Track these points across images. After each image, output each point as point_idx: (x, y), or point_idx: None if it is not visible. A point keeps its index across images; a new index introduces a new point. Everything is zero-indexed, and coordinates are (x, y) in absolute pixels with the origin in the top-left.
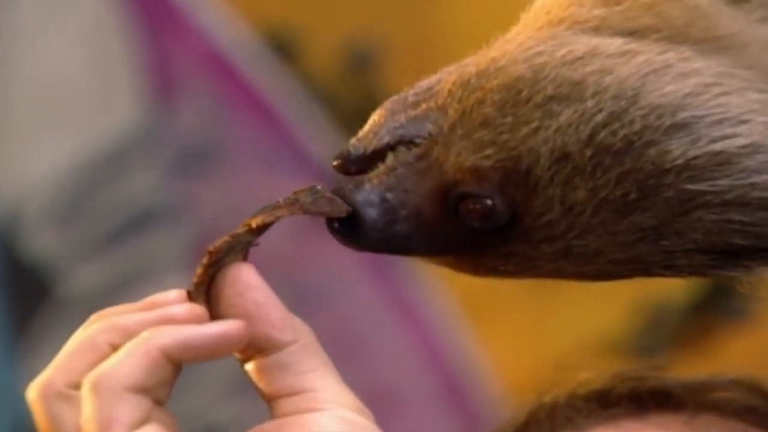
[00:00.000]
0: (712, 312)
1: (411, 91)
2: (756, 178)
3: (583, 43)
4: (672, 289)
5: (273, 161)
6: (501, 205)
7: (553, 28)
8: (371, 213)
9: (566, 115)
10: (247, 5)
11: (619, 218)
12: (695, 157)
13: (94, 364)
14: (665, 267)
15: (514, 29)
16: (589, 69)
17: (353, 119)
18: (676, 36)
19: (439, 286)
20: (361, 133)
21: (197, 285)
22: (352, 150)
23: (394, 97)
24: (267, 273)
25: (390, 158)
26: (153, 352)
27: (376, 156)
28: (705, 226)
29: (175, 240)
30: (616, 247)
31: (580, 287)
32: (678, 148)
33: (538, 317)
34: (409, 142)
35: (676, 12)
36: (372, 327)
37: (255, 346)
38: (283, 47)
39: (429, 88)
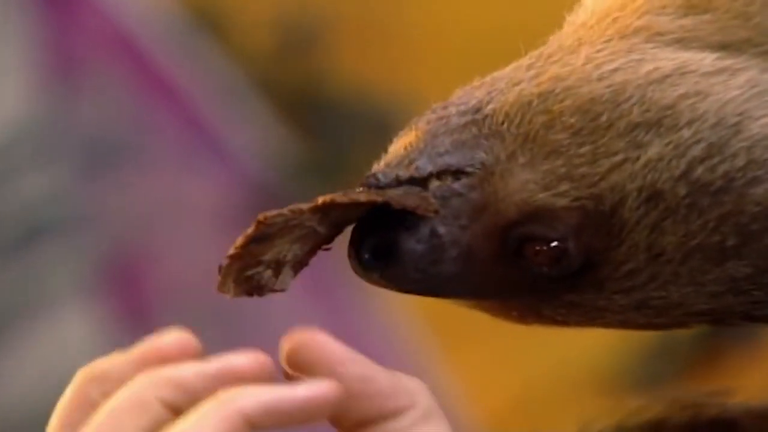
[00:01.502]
0: (724, 334)
1: (453, 108)
2: None
3: (669, 58)
4: None
5: (193, 159)
6: (575, 249)
7: (627, 39)
8: (417, 248)
9: (657, 146)
10: None
11: (711, 267)
12: None
13: (146, 429)
14: (745, 317)
15: (569, 34)
16: (681, 90)
17: (291, 107)
18: None
19: (398, 309)
20: (391, 157)
21: (233, 259)
22: (381, 177)
23: (431, 115)
24: (194, 296)
25: (436, 186)
26: (234, 418)
27: (413, 185)
28: None
29: (77, 257)
30: (700, 298)
31: None
32: None
33: (516, 341)
34: (456, 172)
35: None
36: None
37: (363, 419)
38: (208, 23)
39: (477, 108)
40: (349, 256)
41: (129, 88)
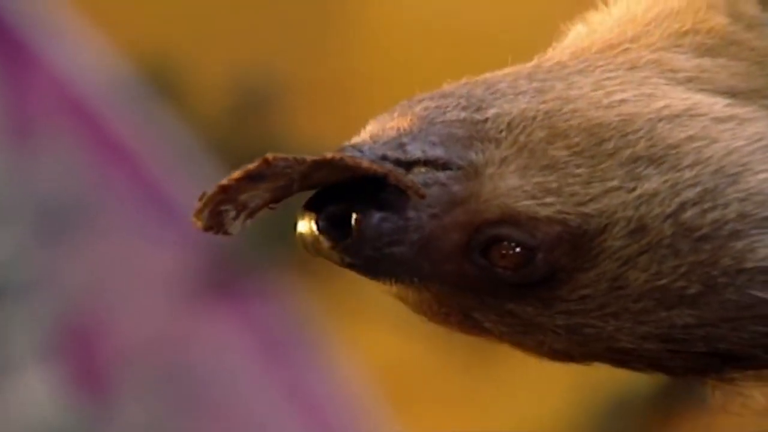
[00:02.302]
0: (681, 396)
1: (453, 100)
2: None
3: (680, 97)
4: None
5: (148, 223)
6: (542, 261)
7: (638, 71)
8: (382, 226)
9: (655, 182)
10: (119, 34)
11: (661, 311)
12: None
13: None
14: (652, 364)
15: (570, 54)
16: (689, 132)
17: None
18: None
19: (351, 369)
20: (378, 134)
21: (223, 189)
22: (366, 150)
23: (429, 102)
24: (149, 360)
25: (421, 172)
26: None
27: (397, 166)
28: (743, 336)
29: (34, 320)
30: (630, 336)
31: (523, 365)
32: (766, 247)
33: (469, 401)
34: (444, 164)
35: None
36: (267, 419)
37: None
38: (162, 85)
39: (478, 107)
40: (302, 220)
41: (84, 151)
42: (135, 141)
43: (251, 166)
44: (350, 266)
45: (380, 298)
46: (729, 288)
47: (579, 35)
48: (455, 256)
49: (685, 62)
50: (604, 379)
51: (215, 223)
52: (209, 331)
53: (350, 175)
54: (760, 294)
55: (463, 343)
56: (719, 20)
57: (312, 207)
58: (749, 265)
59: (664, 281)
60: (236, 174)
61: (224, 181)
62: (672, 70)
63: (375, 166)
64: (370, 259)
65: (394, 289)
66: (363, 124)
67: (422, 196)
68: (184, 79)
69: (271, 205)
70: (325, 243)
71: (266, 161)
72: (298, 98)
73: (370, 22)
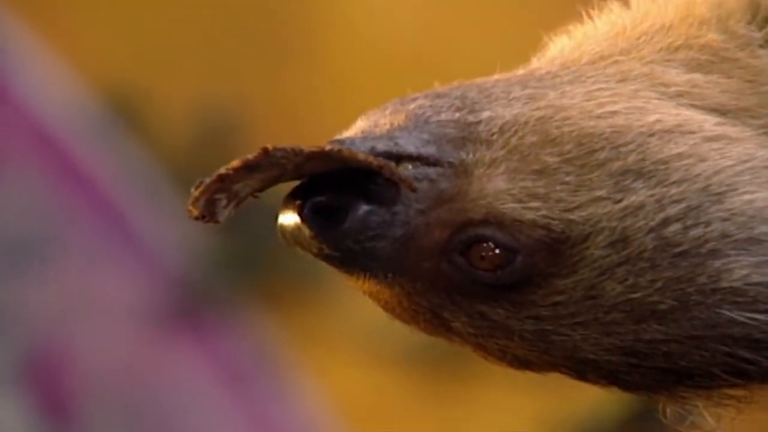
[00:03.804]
0: (650, 424)
1: (447, 101)
2: None
3: (672, 113)
4: (601, 398)
5: (113, 254)
6: (521, 263)
7: (629, 83)
8: (369, 219)
9: (642, 195)
10: (84, 67)
11: (629, 324)
12: (755, 284)
13: None
14: (608, 376)
15: (558, 64)
16: (679, 149)
17: None
18: None
19: (313, 395)
20: (368, 129)
21: (222, 178)
22: (358, 143)
23: (423, 101)
24: (115, 390)
25: (410, 167)
26: None
27: (387, 159)
28: (704, 354)
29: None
30: (595, 347)
31: (489, 394)
32: (742, 268)
33: (434, 426)
34: (435, 162)
35: None
36: None
37: None
38: (126, 116)
39: (471, 109)
40: (285, 209)
41: (49, 182)
42: (99, 172)
43: (250, 156)
44: (327, 258)
45: (344, 326)
46: (700, 306)
47: (565, 47)
48: (434, 254)
49: (677, 77)
50: (570, 407)
51: (208, 211)
52: (174, 361)
53: (342, 167)
54: (729, 314)
55: (429, 371)
56: (712, 36)
57: (297, 197)
58: (724, 284)
59: (638, 294)
60: (234, 163)
61: (222, 171)
62: (663, 84)
63: (371, 159)
64: (350, 252)
65: (365, 284)
66: None
67: (414, 190)
68: (147, 111)
69: (255, 194)
70: (306, 232)
71: (265, 151)
72: (259, 128)
73: (329, 53)
